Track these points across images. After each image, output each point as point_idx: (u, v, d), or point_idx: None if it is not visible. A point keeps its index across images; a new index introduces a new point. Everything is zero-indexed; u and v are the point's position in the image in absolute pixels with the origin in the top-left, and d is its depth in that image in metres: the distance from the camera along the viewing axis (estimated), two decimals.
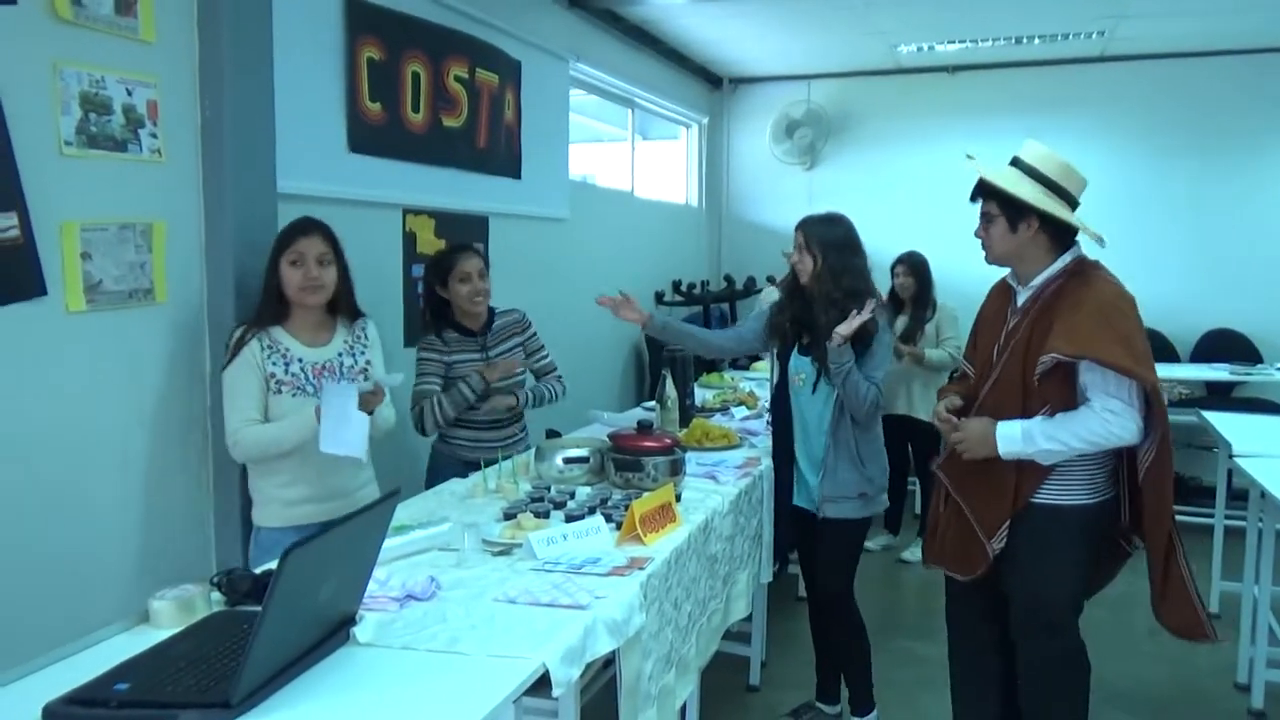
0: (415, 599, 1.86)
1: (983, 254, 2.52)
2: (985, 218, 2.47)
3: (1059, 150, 2.44)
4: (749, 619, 3.19)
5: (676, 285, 6.58)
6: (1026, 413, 2.37)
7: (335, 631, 1.62)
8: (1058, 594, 2.44)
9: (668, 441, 2.81)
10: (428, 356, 3.19)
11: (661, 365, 3.78)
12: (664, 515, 2.38)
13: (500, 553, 2.17)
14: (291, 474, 2.56)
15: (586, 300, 5.44)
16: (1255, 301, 6.21)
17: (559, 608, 1.85)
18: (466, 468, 3.09)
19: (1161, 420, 2.28)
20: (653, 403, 3.77)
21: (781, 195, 7.15)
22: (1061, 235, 2.42)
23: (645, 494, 2.44)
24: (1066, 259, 2.42)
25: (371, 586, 1.82)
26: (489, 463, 2.87)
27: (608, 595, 1.92)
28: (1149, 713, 3.39)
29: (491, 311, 3.33)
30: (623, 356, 6.02)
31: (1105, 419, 2.26)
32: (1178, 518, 2.41)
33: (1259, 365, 5.63)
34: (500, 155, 4.39)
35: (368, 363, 2.70)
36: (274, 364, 2.52)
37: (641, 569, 2.09)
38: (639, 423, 2.91)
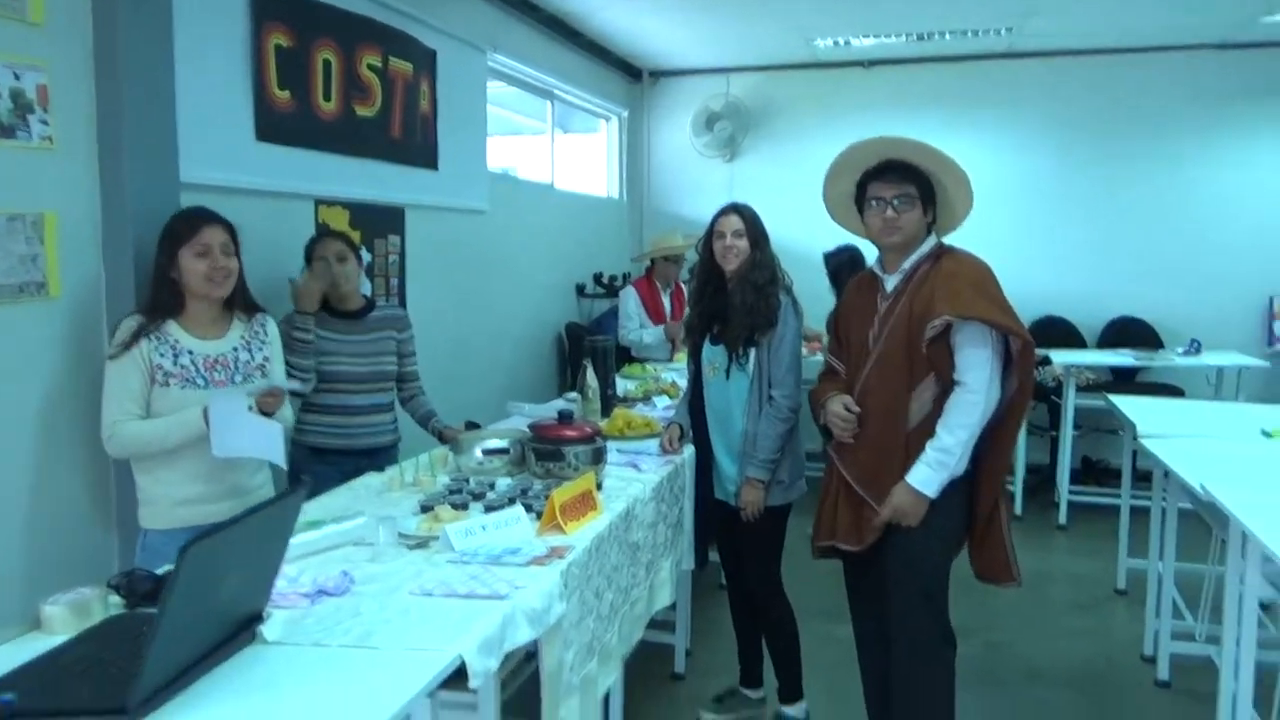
0: (327, 594, 1.81)
1: (887, 239, 2.53)
2: (905, 199, 2.47)
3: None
4: (673, 607, 3.19)
5: (598, 277, 6.55)
6: (912, 380, 2.47)
7: (241, 630, 1.56)
8: (933, 559, 2.52)
9: (589, 430, 2.79)
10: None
11: (582, 356, 3.75)
12: (585, 503, 2.36)
13: (416, 546, 2.13)
14: (185, 471, 2.43)
15: (507, 292, 5.45)
16: (1156, 290, 6.46)
17: (477, 598, 1.82)
18: (314, 454, 3.12)
19: (1024, 374, 2.45)
20: (574, 394, 3.74)
21: (702, 187, 7.17)
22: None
23: (566, 483, 2.41)
24: (931, 243, 2.56)
25: (281, 584, 1.76)
26: (343, 452, 3.05)
27: (527, 585, 1.90)
28: (1064, 685, 3.49)
29: (369, 300, 3.34)
30: (544, 348, 5.97)
31: (972, 401, 2.40)
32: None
33: (1160, 350, 5.84)
34: (416, 146, 4.30)
35: (265, 359, 2.60)
36: (161, 355, 2.40)
37: (562, 558, 2.07)
38: (560, 413, 2.87)
